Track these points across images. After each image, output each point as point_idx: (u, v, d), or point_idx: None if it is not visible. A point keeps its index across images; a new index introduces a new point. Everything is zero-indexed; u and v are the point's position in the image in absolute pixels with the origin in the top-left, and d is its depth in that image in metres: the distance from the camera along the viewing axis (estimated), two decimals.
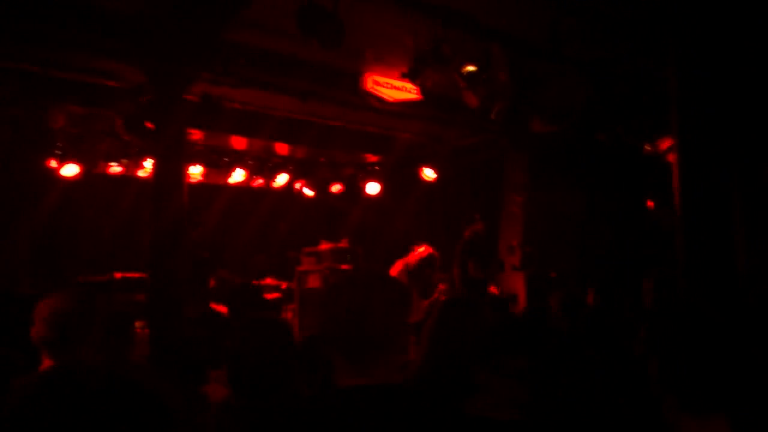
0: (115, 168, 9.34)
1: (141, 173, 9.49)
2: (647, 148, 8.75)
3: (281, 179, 11.15)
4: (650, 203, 10.57)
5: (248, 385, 2.28)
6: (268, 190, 11.51)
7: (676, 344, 1.87)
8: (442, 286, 7.13)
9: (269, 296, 9.06)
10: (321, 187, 11.99)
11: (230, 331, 2.45)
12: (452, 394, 2.61)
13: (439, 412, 1.66)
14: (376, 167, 11.58)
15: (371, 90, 7.36)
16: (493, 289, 8.87)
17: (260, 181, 11.03)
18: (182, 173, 6.57)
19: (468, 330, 3.14)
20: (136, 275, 8.32)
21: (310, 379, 2.56)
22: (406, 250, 9.07)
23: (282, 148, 10.75)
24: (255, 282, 9.30)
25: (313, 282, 9.55)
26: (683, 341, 1.87)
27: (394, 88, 7.40)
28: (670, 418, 1.83)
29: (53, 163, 8.68)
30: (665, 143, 8.06)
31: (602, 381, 3.12)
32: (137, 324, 7.47)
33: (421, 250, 8.39)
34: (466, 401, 2.43)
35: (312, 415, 1.63)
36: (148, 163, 8.78)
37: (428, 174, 10.68)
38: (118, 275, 8.47)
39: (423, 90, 7.08)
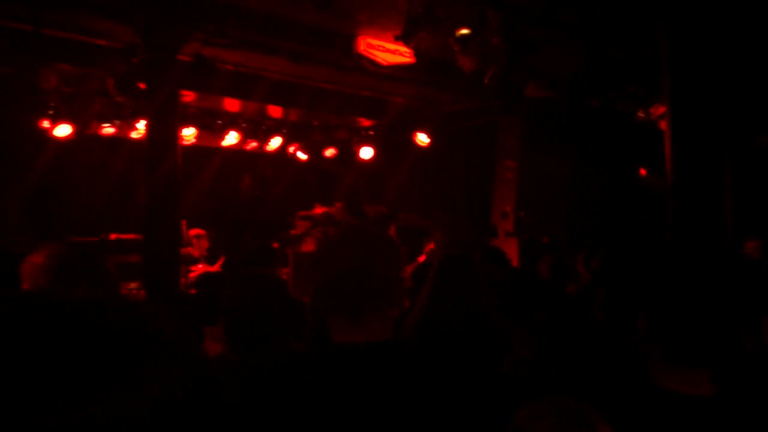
0: (108, 129, 9.30)
1: (134, 134, 9.46)
2: (640, 115, 8.77)
3: (275, 142, 11.13)
4: (642, 170, 10.62)
5: (243, 339, 2.33)
6: (261, 153, 11.50)
7: (665, 302, 1.94)
8: (429, 246, 7.12)
9: None
10: (314, 151, 11.99)
11: (227, 286, 2.50)
12: (465, 351, 2.67)
13: (440, 371, 1.68)
14: (370, 131, 11.57)
15: (365, 53, 7.33)
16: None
17: (254, 144, 11.01)
18: (175, 134, 6.56)
19: (467, 287, 3.20)
20: (131, 236, 8.36)
21: (304, 334, 2.61)
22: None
23: (275, 111, 10.72)
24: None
25: (307, 246, 9.58)
26: (672, 299, 1.93)
27: (388, 51, 7.37)
28: (655, 369, 1.90)
29: (46, 123, 8.64)
30: (658, 110, 8.08)
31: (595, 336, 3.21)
32: (132, 285, 7.58)
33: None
34: (503, 360, 2.49)
35: (307, 371, 1.67)
36: (141, 125, 8.75)
37: (422, 139, 10.68)
38: (113, 236, 8.50)
39: (416, 53, 7.05)
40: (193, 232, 9.01)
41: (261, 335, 2.33)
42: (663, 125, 5.95)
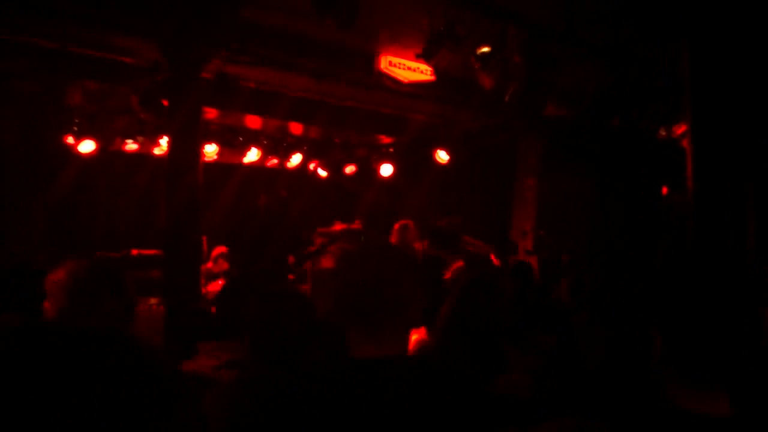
0: (131, 145, 9.42)
1: (157, 151, 9.57)
2: (662, 133, 8.70)
3: (295, 159, 11.20)
4: (664, 189, 10.53)
5: (269, 355, 2.34)
6: (282, 170, 11.57)
7: (684, 321, 1.92)
8: (456, 265, 7.07)
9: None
10: (335, 168, 12.04)
11: (252, 302, 2.51)
12: (475, 370, 2.66)
13: (456, 387, 1.68)
14: (390, 149, 11.60)
15: (386, 71, 7.38)
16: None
17: (274, 161, 11.08)
18: (197, 151, 6.62)
19: (490, 309, 3.19)
20: (152, 252, 8.43)
21: (324, 349, 2.61)
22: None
23: (296, 128, 10.79)
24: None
25: (326, 263, 9.59)
26: (691, 319, 1.91)
27: (409, 69, 7.41)
28: (672, 389, 1.88)
29: (70, 140, 8.76)
30: (680, 129, 8.02)
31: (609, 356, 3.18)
32: (152, 301, 7.64)
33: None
34: (496, 378, 2.47)
35: (328, 385, 1.67)
36: (164, 141, 8.85)
37: (441, 156, 10.68)
38: (135, 252, 8.58)
39: (437, 71, 7.08)
40: (217, 250, 9.09)
41: (286, 351, 2.34)
42: (685, 143, 5.91)
